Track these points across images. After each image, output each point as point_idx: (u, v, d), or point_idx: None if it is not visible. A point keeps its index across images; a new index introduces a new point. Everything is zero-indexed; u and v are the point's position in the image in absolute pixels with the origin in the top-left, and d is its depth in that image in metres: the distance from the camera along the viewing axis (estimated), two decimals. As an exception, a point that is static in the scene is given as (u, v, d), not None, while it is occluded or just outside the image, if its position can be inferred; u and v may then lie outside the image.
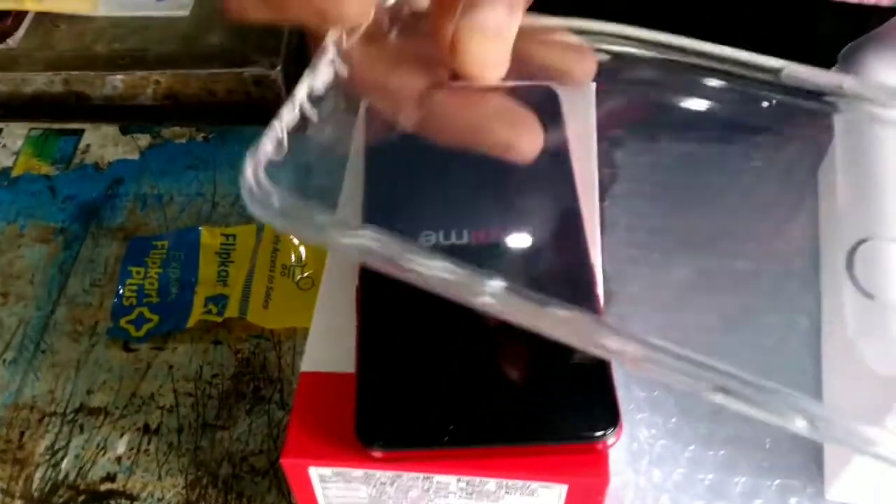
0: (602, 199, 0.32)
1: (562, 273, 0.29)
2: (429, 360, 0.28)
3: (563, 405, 0.27)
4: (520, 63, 0.27)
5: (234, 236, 0.43)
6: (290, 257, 0.41)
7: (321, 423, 0.27)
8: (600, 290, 0.29)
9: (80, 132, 0.49)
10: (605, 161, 0.33)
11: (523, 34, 0.27)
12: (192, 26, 0.55)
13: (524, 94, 0.29)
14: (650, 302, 0.35)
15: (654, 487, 0.34)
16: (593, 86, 0.38)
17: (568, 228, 0.30)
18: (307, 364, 0.29)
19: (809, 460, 0.34)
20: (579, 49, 0.28)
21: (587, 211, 0.31)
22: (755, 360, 0.21)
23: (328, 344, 0.29)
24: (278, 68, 0.52)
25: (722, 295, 0.36)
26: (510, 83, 0.33)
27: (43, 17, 0.56)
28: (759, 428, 0.35)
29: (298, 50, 0.55)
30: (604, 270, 0.29)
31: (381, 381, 0.27)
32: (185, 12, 0.56)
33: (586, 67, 0.28)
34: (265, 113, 0.55)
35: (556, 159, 0.32)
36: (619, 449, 0.35)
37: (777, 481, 0.33)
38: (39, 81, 0.52)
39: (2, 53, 0.53)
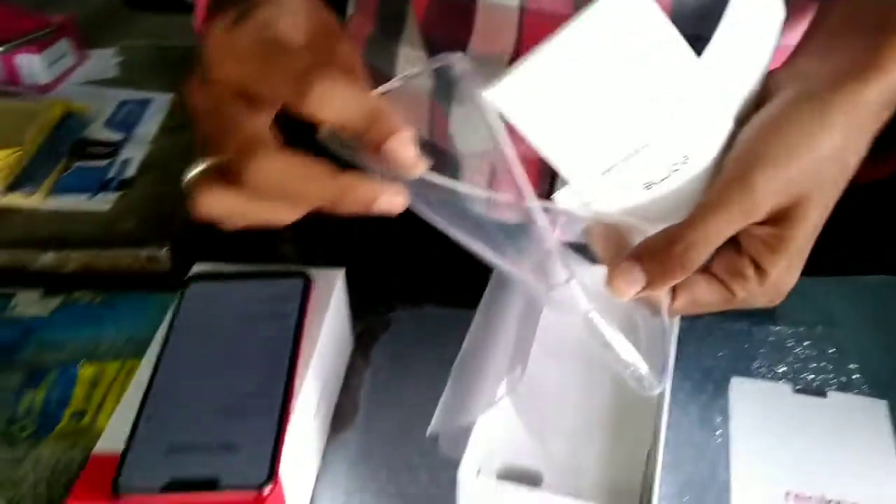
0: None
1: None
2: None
3: (237, 468, 0.43)
4: None
5: (104, 370, 0.60)
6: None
7: (96, 483, 0.44)
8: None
9: (11, 295, 0.67)
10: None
11: None
12: (110, 218, 0.75)
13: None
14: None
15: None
16: (342, 272, 0.57)
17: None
18: (98, 447, 0.46)
19: None
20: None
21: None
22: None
23: (114, 435, 0.46)
24: (166, 249, 0.72)
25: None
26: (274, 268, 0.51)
27: (2, 210, 0.76)
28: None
29: (185, 235, 0.75)
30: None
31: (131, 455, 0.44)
32: (107, 207, 0.76)
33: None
34: (155, 281, 0.75)
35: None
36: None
37: None
38: (-10, 257, 0.72)
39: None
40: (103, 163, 0.83)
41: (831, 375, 0.59)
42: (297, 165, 0.35)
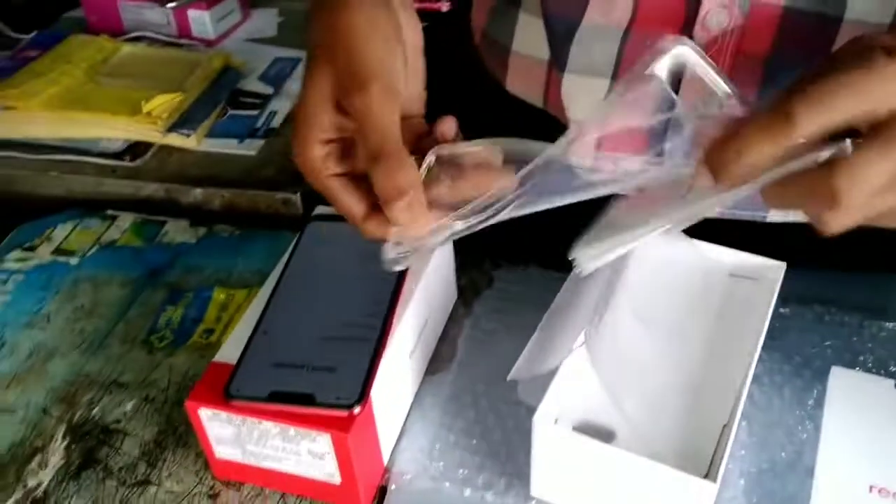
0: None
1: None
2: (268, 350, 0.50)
3: (333, 387, 0.47)
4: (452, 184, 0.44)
5: (233, 295, 0.67)
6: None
7: (212, 388, 0.49)
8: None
9: (164, 223, 0.75)
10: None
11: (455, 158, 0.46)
12: (254, 162, 0.82)
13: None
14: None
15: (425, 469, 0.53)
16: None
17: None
18: (217, 357, 0.51)
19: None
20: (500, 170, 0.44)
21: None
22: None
23: (231, 348, 0.52)
24: (298, 194, 0.77)
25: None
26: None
27: (163, 148, 0.85)
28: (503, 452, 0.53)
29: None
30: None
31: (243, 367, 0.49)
32: (253, 152, 0.83)
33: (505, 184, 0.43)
34: (288, 223, 0.81)
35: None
36: (415, 443, 0.54)
37: (503, 479, 0.52)
38: (150, 189, 0.80)
39: (131, 169, 0.82)
40: (254, 112, 0.90)
41: (943, 377, 0.57)
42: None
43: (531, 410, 0.55)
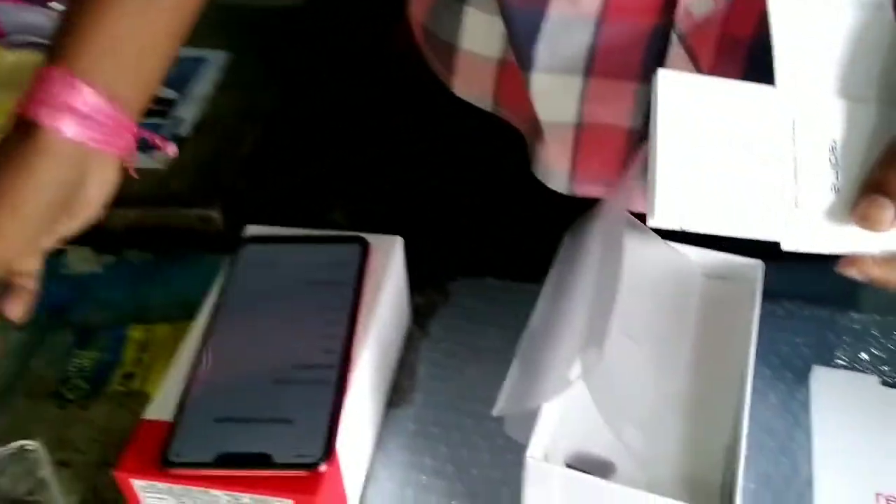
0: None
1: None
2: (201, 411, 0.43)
3: (291, 443, 0.41)
4: None
5: (154, 331, 0.59)
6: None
7: (145, 452, 0.42)
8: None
9: (62, 251, 0.66)
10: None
11: None
12: (163, 175, 0.73)
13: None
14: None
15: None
16: (400, 240, 0.54)
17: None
18: (147, 414, 0.44)
19: None
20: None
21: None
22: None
23: (164, 402, 0.44)
24: (217, 209, 0.70)
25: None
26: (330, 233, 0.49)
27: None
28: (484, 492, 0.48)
29: (242, 196, 0.73)
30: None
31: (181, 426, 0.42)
32: (160, 165, 0.75)
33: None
34: (206, 242, 0.73)
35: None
36: (384, 490, 0.48)
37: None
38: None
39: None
40: (158, 121, 0.81)
41: (922, 368, 0.55)
42: None
43: (508, 441, 0.50)
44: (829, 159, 0.41)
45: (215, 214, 0.70)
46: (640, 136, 0.55)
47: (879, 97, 0.43)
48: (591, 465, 0.43)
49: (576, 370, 0.40)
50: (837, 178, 0.41)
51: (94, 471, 0.50)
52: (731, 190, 0.40)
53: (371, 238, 0.53)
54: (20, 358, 0.57)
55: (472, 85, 0.60)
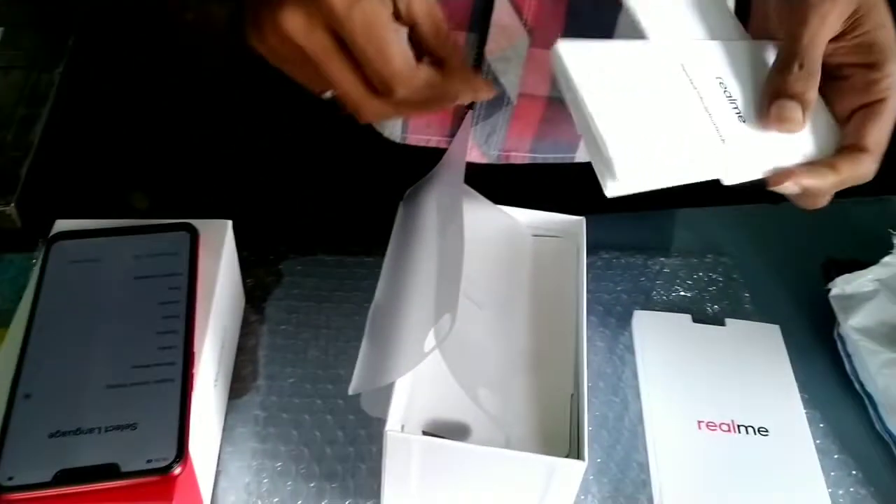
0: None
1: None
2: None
3: (139, 449, 0.38)
4: None
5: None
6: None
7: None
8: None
9: None
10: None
11: None
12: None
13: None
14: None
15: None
16: (229, 223, 0.52)
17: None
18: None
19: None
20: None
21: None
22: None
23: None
24: (13, 204, 0.63)
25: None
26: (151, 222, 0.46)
27: None
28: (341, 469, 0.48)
29: (37, 188, 0.67)
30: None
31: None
32: (-65, 158, 0.67)
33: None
34: (2, 241, 0.66)
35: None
36: (237, 483, 0.47)
37: (349, 501, 0.47)
38: None
39: None
40: (-76, 107, 0.72)
41: (725, 303, 0.61)
42: (435, 79, 0.42)
43: (360, 417, 0.50)
44: (725, 94, 0.44)
45: (10, 209, 0.63)
46: None
47: (742, 35, 0.47)
48: (448, 430, 0.44)
49: (430, 341, 0.40)
50: (738, 107, 0.44)
51: None
52: (668, 142, 0.42)
53: (198, 224, 0.50)
54: None
55: None
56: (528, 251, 0.55)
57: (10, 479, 0.37)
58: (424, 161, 0.56)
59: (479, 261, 0.51)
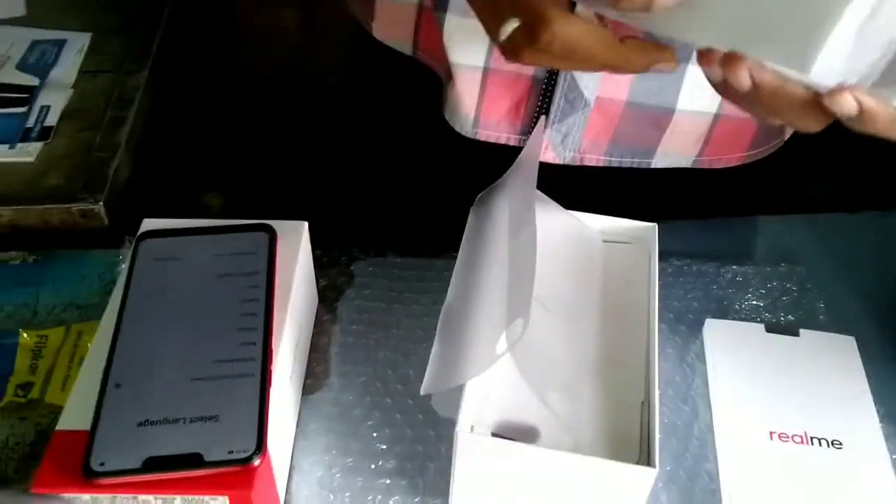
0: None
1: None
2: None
3: (221, 440, 0.40)
4: None
5: (46, 336, 0.55)
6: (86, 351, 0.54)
7: (63, 464, 0.40)
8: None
9: (-69, 257, 0.61)
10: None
11: None
12: (35, 170, 0.69)
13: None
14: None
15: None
16: (305, 224, 0.53)
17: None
18: (61, 424, 0.42)
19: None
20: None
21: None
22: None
23: (77, 409, 0.42)
24: (101, 203, 0.66)
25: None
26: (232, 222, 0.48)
27: None
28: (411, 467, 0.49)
29: (123, 188, 0.69)
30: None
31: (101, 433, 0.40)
32: (31, 158, 0.70)
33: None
34: (90, 238, 0.69)
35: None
36: (310, 478, 0.48)
37: (417, 499, 0.48)
38: None
39: None
40: (20, 110, 0.75)
41: (799, 312, 0.60)
42: (588, 32, 0.40)
43: (430, 417, 0.51)
44: None
45: (98, 208, 0.66)
46: (543, 84, 0.57)
47: None
48: (517, 433, 0.45)
49: (502, 345, 0.41)
50: None
51: (-4, 489, 0.47)
52: None
53: (276, 224, 0.52)
54: None
55: (392, 29, 0.60)
56: (599, 257, 0.55)
57: (102, 464, 0.39)
58: (496, 163, 0.57)
59: (551, 265, 0.52)
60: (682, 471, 0.50)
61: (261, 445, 0.40)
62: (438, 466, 0.49)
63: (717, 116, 0.58)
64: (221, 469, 0.39)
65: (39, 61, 0.82)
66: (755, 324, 0.58)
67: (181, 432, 0.40)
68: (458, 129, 0.61)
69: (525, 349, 0.41)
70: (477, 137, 0.61)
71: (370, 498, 0.47)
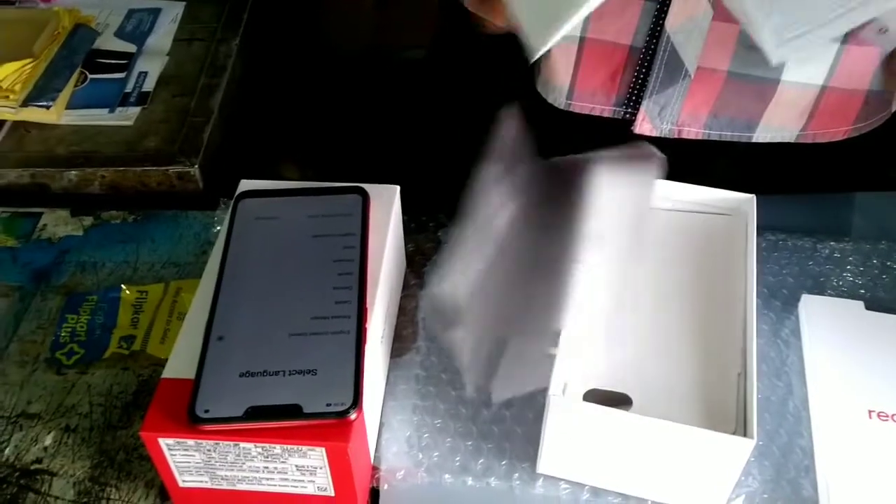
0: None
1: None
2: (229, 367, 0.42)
3: (320, 393, 0.41)
4: None
5: (146, 292, 0.57)
6: (186, 307, 0.56)
7: (169, 410, 0.41)
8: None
9: (38, 215, 0.64)
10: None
11: None
12: (134, 133, 0.71)
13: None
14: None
15: (417, 464, 0.48)
16: (397, 188, 0.54)
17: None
18: (166, 372, 0.43)
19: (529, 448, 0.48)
20: None
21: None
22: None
23: (181, 360, 0.44)
24: (196, 166, 0.68)
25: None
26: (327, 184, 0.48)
27: (18, 125, 0.72)
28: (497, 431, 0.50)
29: (216, 152, 0.71)
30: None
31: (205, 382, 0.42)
32: (129, 122, 0.72)
33: None
34: (185, 200, 0.71)
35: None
36: (399, 435, 0.49)
37: (504, 462, 0.48)
38: (11, 175, 0.68)
39: (-17, 153, 0.69)
40: (119, 75, 0.78)
41: (900, 291, 0.58)
42: None
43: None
44: None
45: (194, 171, 0.68)
46: (640, 54, 0.56)
47: None
48: (608, 400, 0.44)
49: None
50: None
51: (102, 433, 0.49)
52: None
53: (369, 188, 0.52)
54: (7, 325, 0.56)
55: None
56: (694, 227, 0.54)
57: (206, 411, 0.40)
58: (586, 133, 0.56)
59: (646, 234, 0.51)
60: (776, 446, 0.49)
61: (357, 400, 0.41)
62: (525, 432, 0.49)
63: (823, 88, 0.56)
64: (319, 421, 0.40)
65: (136, 29, 0.84)
66: (854, 301, 0.56)
67: (281, 384, 0.41)
68: (550, 100, 0.61)
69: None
70: (570, 109, 0.60)
71: (457, 459, 0.48)
